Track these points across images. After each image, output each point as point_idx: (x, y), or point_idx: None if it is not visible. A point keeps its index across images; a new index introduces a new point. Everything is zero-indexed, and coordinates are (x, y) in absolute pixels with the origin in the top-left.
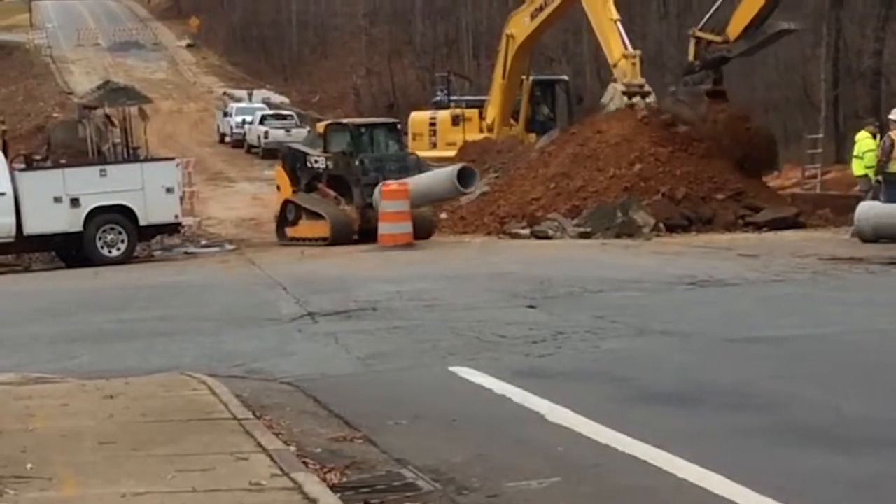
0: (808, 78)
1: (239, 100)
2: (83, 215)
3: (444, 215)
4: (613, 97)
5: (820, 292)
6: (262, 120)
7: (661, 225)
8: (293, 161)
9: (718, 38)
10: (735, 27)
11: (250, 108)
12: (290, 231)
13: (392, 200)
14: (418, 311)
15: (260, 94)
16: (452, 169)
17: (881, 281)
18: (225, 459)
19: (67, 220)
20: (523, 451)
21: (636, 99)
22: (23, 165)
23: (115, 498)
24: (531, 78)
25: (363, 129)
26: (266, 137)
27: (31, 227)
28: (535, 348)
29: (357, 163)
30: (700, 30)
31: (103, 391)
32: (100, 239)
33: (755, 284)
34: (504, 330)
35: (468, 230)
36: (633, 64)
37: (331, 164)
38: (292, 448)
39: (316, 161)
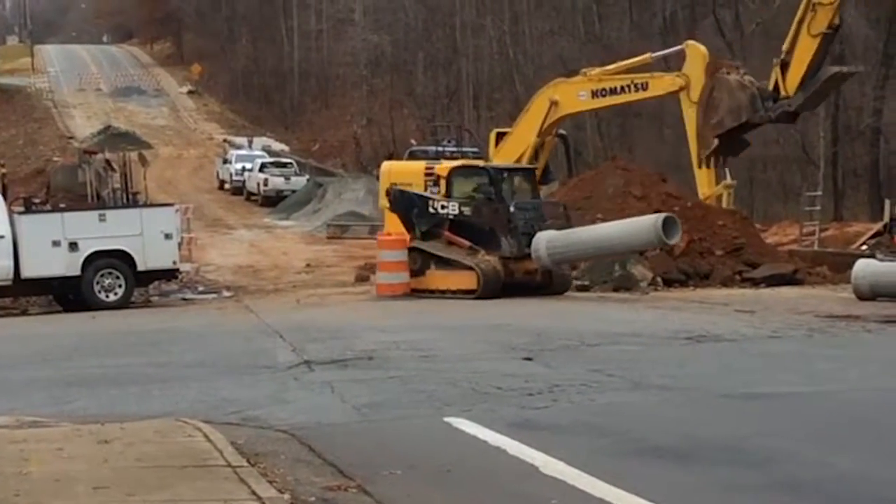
0: (807, 135)
1: (239, 147)
2: (81, 259)
3: None
4: None
5: (816, 350)
6: (262, 167)
7: (659, 279)
8: (407, 206)
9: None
10: (791, 82)
11: (250, 156)
12: (412, 282)
13: (391, 250)
14: (415, 361)
15: (260, 141)
16: (655, 218)
17: (877, 339)
18: None
19: (65, 264)
20: (517, 503)
21: None
22: (22, 208)
23: None
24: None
25: (504, 174)
26: (265, 185)
27: (28, 271)
28: (530, 400)
29: (512, 210)
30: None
31: (98, 436)
32: (97, 283)
33: (752, 340)
34: (500, 381)
35: None
36: (730, 194)
37: (467, 211)
38: (286, 496)
39: (443, 206)
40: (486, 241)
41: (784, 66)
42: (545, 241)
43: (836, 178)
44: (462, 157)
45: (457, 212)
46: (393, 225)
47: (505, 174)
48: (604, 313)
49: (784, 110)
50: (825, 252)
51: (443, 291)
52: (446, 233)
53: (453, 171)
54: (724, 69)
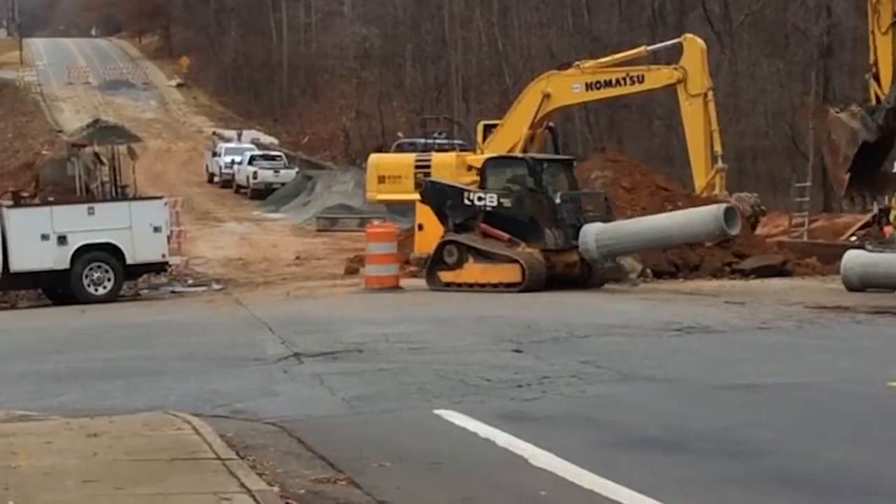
0: (797, 126)
1: (228, 140)
2: (70, 253)
3: None
4: None
5: (806, 340)
6: (251, 160)
7: (649, 271)
8: (440, 197)
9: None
10: (885, 82)
11: (239, 149)
12: (446, 275)
13: (379, 243)
14: (404, 353)
15: (249, 134)
16: (717, 208)
17: (867, 330)
18: (208, 499)
19: (54, 258)
20: (507, 494)
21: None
22: (11, 202)
23: None
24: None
25: (544, 165)
26: (255, 178)
27: (17, 265)
28: (520, 392)
29: (558, 201)
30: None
31: (87, 429)
32: (86, 277)
33: (741, 332)
34: (490, 373)
35: None
36: (722, 177)
37: (506, 202)
38: (276, 489)
39: (480, 198)
40: (527, 233)
41: (875, 76)
42: (594, 233)
43: (826, 169)
44: (451, 150)
45: (495, 203)
46: (424, 217)
47: (545, 165)
48: (593, 305)
49: (886, 109)
50: (814, 243)
51: (482, 285)
52: (482, 225)
53: (488, 163)
54: (834, 109)
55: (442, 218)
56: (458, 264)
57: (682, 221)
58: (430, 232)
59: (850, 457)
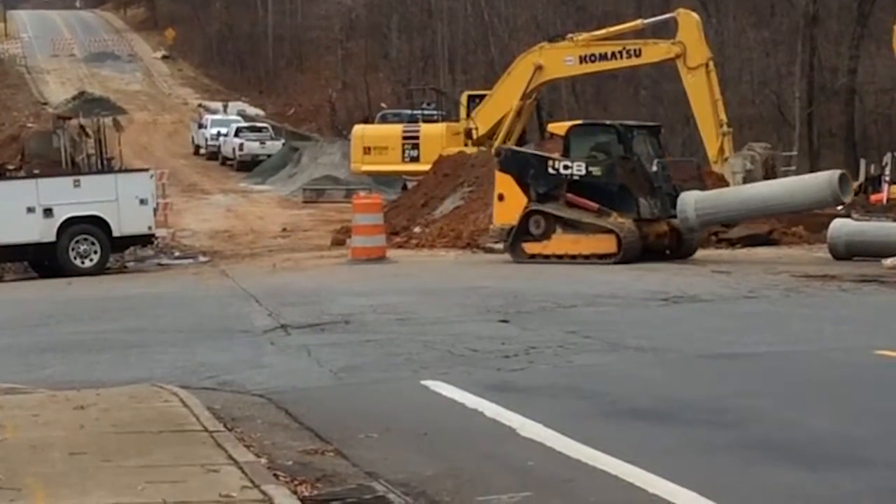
0: (783, 95)
1: (214, 112)
2: (56, 226)
3: (417, 229)
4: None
5: (792, 309)
6: (237, 132)
7: None
8: (521, 166)
9: None
10: None
11: (225, 121)
12: (532, 247)
13: (366, 214)
14: (391, 324)
15: (235, 106)
16: (831, 175)
17: (853, 298)
18: (195, 471)
19: (40, 231)
20: (495, 465)
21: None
22: None
23: None
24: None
25: (634, 132)
26: (241, 150)
27: (3, 237)
28: (507, 363)
29: (655, 169)
30: None
31: (74, 402)
32: (73, 249)
33: (728, 301)
34: (477, 344)
35: (442, 244)
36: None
37: (595, 171)
38: (263, 460)
39: (565, 167)
40: (617, 203)
41: None
42: (693, 201)
43: (812, 138)
44: (438, 121)
45: (583, 171)
46: (504, 186)
47: (634, 132)
48: (580, 275)
49: None
50: (801, 212)
51: (573, 257)
52: (568, 194)
53: (572, 130)
54: None
55: (523, 187)
56: (546, 235)
57: (793, 189)
58: (510, 202)
59: (836, 425)
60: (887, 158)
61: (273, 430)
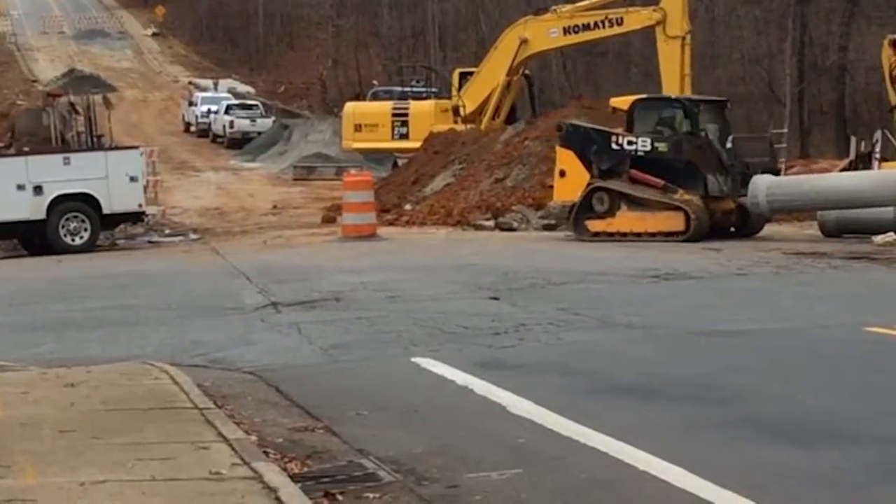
0: (773, 73)
1: (204, 89)
2: (46, 203)
3: (408, 206)
4: None
5: (782, 287)
6: (228, 110)
7: None
8: (583, 142)
9: None
10: None
11: (216, 98)
12: (596, 224)
13: (356, 191)
14: (381, 301)
15: (225, 83)
16: None
17: (843, 276)
18: (185, 448)
19: (30, 208)
20: (484, 442)
21: None
22: None
23: (75, 486)
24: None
25: (700, 107)
26: (231, 127)
27: None
28: (497, 340)
29: (728, 146)
30: None
31: (64, 379)
32: (63, 227)
33: (718, 278)
34: (467, 321)
35: (432, 221)
36: None
37: (661, 147)
38: (253, 438)
39: (630, 142)
40: (683, 179)
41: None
42: (765, 185)
43: (803, 115)
44: (428, 98)
45: (648, 147)
46: (566, 162)
47: (700, 107)
48: (570, 252)
49: None
50: None
51: (638, 234)
52: (632, 171)
53: (636, 105)
54: None
55: (586, 163)
56: (610, 212)
57: (874, 184)
58: (572, 179)
59: (826, 402)
60: (877, 136)
61: (263, 407)
